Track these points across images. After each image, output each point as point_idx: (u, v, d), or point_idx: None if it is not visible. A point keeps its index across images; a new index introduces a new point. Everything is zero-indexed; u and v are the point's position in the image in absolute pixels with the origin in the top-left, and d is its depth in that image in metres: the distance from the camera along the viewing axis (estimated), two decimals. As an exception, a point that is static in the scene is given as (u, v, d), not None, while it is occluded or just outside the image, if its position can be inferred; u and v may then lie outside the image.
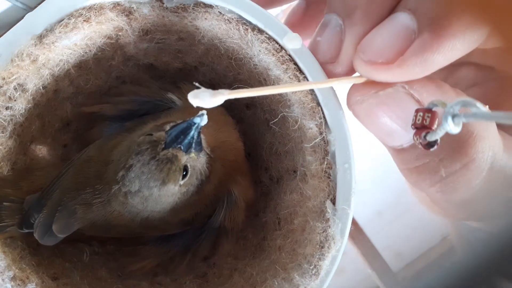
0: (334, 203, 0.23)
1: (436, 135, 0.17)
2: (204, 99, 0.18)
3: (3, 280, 0.23)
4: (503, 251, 0.11)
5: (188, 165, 0.25)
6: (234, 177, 0.29)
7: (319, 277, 0.23)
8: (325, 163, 0.23)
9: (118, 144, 0.26)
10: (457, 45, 0.17)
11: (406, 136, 0.20)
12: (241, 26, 0.23)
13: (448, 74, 0.25)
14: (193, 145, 0.25)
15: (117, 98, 0.29)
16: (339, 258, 0.23)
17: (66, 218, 0.25)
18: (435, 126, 0.17)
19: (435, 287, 0.12)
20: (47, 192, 0.26)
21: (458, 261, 0.12)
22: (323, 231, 0.23)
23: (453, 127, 0.16)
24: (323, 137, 0.23)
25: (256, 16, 0.23)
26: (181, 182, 0.25)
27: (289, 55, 0.23)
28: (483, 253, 0.11)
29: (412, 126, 0.18)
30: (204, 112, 0.24)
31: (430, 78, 0.20)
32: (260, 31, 0.23)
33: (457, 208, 0.22)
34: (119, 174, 0.24)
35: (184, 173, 0.25)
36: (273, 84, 0.24)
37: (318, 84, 0.21)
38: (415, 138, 0.18)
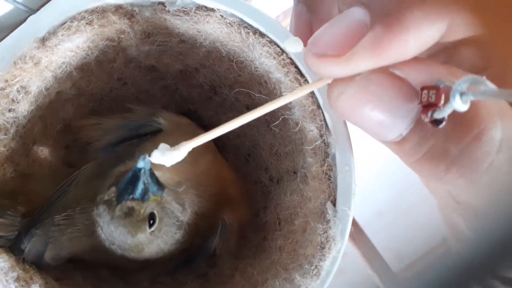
0: (334, 205, 0.23)
1: (443, 113, 0.17)
2: (166, 156, 0.18)
3: (7, 281, 0.23)
4: (497, 253, 0.11)
5: (155, 211, 0.25)
6: (223, 207, 0.28)
7: (319, 277, 0.23)
8: (326, 165, 0.23)
9: (96, 195, 0.26)
10: (410, 40, 0.16)
11: (401, 123, 0.18)
12: (242, 30, 0.23)
13: (447, 59, 0.24)
14: (149, 188, 0.24)
15: (108, 119, 0.29)
16: (339, 258, 0.23)
17: (58, 250, 0.26)
18: (441, 102, 0.17)
19: (436, 287, 0.12)
20: (38, 219, 0.26)
21: (456, 261, 0.12)
22: (324, 232, 0.23)
23: (460, 105, 0.16)
24: (324, 139, 0.23)
25: (258, 19, 0.23)
26: (152, 229, 0.24)
27: (290, 59, 0.23)
28: (479, 254, 0.11)
29: (419, 105, 0.18)
30: (146, 155, 0.23)
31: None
32: (262, 34, 0.23)
33: (490, 199, 0.19)
34: (103, 236, 0.25)
35: (151, 222, 0.24)
36: (273, 87, 0.24)
37: (285, 99, 0.19)
38: (423, 117, 0.18)
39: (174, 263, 0.28)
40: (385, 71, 0.18)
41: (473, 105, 0.17)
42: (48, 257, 0.25)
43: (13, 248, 0.25)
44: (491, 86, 0.16)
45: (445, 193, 0.21)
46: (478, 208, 0.20)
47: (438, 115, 0.17)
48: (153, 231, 0.24)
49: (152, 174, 0.24)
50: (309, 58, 0.18)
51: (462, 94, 0.16)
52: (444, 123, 0.17)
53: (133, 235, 0.24)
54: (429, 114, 0.17)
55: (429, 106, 0.17)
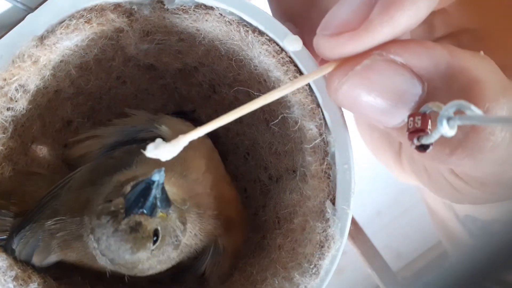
0: (333, 203, 0.23)
1: (431, 138, 0.17)
2: (162, 150, 0.17)
3: (5, 280, 0.23)
4: (497, 257, 0.11)
5: (159, 228, 0.23)
6: (220, 231, 0.27)
7: (319, 276, 0.23)
8: (325, 163, 0.23)
9: (88, 202, 0.25)
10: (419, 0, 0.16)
11: (404, 109, 0.18)
12: (241, 28, 0.23)
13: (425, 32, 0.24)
14: (158, 203, 0.23)
15: (104, 128, 0.29)
16: (338, 257, 0.23)
17: (46, 254, 0.25)
18: (429, 127, 0.17)
19: (435, 286, 0.12)
20: (28, 220, 0.26)
21: (456, 261, 0.12)
22: (323, 231, 0.23)
23: (448, 130, 0.16)
24: (323, 138, 0.23)
25: (257, 18, 0.23)
26: (153, 247, 0.23)
27: (290, 57, 0.23)
28: (478, 256, 0.11)
29: (407, 131, 0.18)
30: (163, 168, 0.22)
31: (409, 38, 0.18)
32: (261, 33, 0.23)
33: (496, 177, 0.19)
34: (94, 245, 0.23)
35: (155, 238, 0.23)
36: (273, 86, 0.24)
37: (284, 89, 0.19)
38: (409, 143, 0.18)
39: (161, 277, 0.27)
40: (386, 59, 0.17)
41: (476, 84, 0.17)
42: (36, 260, 0.25)
43: (6, 248, 0.25)
44: (477, 111, 0.16)
45: (442, 177, 0.21)
46: (484, 180, 0.20)
47: (426, 141, 0.17)
48: (153, 250, 0.23)
49: (163, 189, 0.23)
50: (322, 42, 0.18)
51: (449, 119, 0.16)
52: (430, 147, 0.17)
53: (134, 252, 0.23)
54: (415, 140, 0.17)
55: (415, 132, 0.17)
